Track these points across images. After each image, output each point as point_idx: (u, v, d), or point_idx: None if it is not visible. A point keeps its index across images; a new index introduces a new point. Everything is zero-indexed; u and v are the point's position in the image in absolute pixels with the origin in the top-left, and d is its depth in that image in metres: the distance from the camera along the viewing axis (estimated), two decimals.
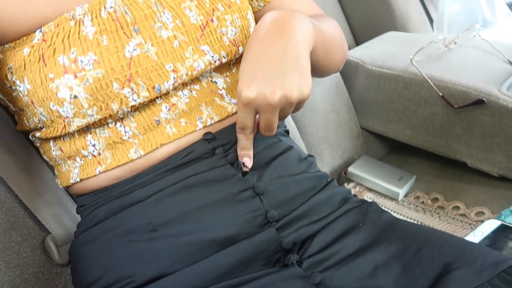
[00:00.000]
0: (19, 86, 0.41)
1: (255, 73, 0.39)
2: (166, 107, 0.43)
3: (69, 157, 0.45)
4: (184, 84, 0.45)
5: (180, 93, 0.44)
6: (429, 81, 0.66)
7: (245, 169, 0.44)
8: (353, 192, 0.79)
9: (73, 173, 0.45)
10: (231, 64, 0.49)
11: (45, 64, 0.39)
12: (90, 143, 0.43)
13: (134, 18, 0.41)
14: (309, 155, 0.54)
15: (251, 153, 0.44)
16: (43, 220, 0.51)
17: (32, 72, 0.40)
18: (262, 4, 0.54)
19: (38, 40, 0.40)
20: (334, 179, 0.53)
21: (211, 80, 0.47)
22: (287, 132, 0.56)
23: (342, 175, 0.84)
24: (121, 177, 0.44)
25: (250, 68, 0.40)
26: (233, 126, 0.46)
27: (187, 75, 0.43)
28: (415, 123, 0.74)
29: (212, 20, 0.44)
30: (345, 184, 0.81)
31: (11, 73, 0.42)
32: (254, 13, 0.56)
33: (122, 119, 0.43)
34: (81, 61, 0.38)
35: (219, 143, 0.45)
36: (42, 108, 0.41)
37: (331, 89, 0.83)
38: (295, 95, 0.39)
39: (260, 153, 0.46)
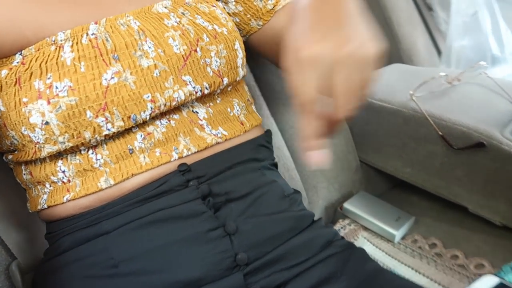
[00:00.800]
0: None
1: (316, 27, 0.31)
2: (141, 135, 0.42)
3: (38, 182, 0.43)
4: (163, 113, 0.43)
5: (157, 122, 0.42)
6: (429, 118, 0.63)
7: (317, 165, 0.32)
8: (347, 229, 0.75)
9: (41, 198, 0.43)
10: (216, 94, 0.47)
11: (21, 88, 0.38)
12: (60, 169, 0.41)
13: (114, 45, 0.39)
14: (295, 191, 0.51)
15: (321, 145, 0.32)
16: (11, 245, 0.49)
17: (7, 95, 0.39)
18: (261, 23, 0.53)
19: (17, 62, 0.39)
20: (321, 219, 0.49)
21: (192, 110, 0.45)
22: (275, 165, 0.54)
23: (338, 210, 0.80)
24: (90, 206, 0.42)
25: (309, 23, 0.31)
26: (212, 158, 0.44)
27: (165, 105, 0.41)
28: (414, 161, 0.70)
29: (195, 50, 0.43)
30: (340, 221, 0.77)
31: None
32: (254, 33, 0.54)
33: (95, 146, 0.41)
34: (56, 87, 0.37)
35: (194, 175, 0.42)
36: (14, 132, 0.40)
37: None
38: (369, 47, 0.30)
39: (236, 188, 0.44)
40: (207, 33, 0.44)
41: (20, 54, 0.40)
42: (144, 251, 0.39)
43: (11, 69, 0.39)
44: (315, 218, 0.49)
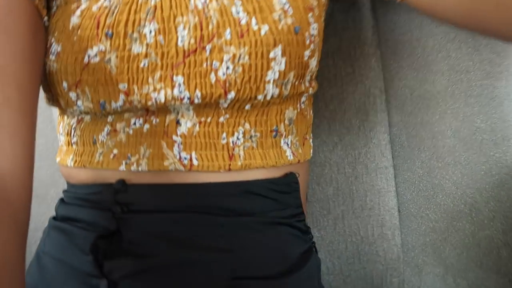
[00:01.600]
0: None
1: None
2: (107, 130, 0.38)
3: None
4: (144, 113, 0.37)
5: (132, 119, 0.37)
6: None
7: None
8: None
9: None
10: (222, 108, 0.35)
11: (42, 36, 0.38)
12: (60, 129, 0.43)
13: (115, 20, 0.35)
14: (282, 274, 0.35)
15: None
16: None
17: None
18: None
19: (54, 10, 0.39)
20: None
21: (177, 120, 0.36)
22: (289, 224, 0.37)
23: None
24: (65, 177, 0.43)
25: None
26: (160, 188, 0.36)
27: (140, 102, 0.35)
28: None
29: (204, 48, 0.33)
30: None
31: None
32: None
33: (78, 121, 0.40)
34: (52, 48, 0.37)
35: (126, 199, 0.36)
36: None
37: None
38: None
39: (149, 243, 0.35)
40: (234, 28, 0.33)
41: (55, 4, 0.39)
42: (38, 277, 0.38)
43: (49, 16, 0.39)
44: None
